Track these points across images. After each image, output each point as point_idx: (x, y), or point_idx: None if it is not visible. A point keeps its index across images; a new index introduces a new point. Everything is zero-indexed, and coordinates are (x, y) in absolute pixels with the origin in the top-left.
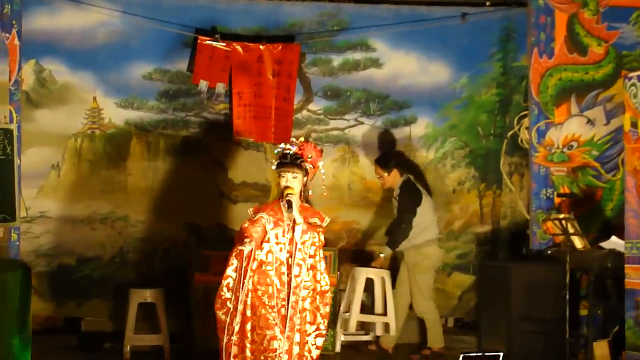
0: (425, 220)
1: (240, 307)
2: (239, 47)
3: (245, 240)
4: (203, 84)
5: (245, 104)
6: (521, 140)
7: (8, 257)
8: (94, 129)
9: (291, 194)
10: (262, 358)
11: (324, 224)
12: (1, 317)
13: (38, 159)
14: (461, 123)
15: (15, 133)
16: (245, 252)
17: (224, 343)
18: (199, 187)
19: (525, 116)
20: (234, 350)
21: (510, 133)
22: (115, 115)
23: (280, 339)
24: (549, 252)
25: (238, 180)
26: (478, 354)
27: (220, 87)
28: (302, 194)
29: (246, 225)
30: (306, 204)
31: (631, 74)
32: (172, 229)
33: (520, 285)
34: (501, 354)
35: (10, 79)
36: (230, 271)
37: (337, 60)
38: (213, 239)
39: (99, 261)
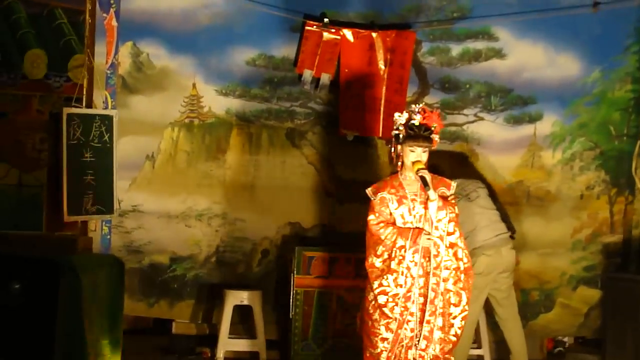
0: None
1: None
2: (349, 34)
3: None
4: (307, 74)
5: (353, 95)
6: None
7: (99, 252)
8: (193, 118)
9: (422, 168)
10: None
11: (452, 191)
12: (92, 315)
13: (132, 148)
14: (591, 122)
15: (114, 119)
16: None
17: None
18: (303, 184)
19: None
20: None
21: None
22: (216, 103)
23: (411, 328)
24: None
25: (346, 178)
26: None
27: (326, 78)
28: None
29: (374, 220)
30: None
31: None
32: (273, 228)
33: None
34: None
35: (107, 62)
36: (395, 265)
37: (456, 49)
38: (315, 240)
39: (193, 260)
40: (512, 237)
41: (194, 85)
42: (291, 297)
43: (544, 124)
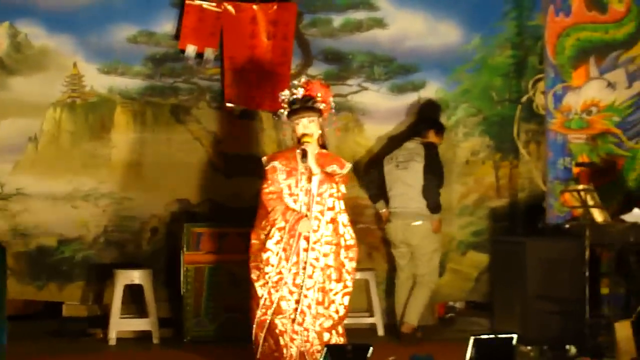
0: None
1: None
2: (230, 7)
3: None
4: (190, 49)
5: (237, 69)
6: (536, 106)
7: None
8: (75, 98)
9: (308, 142)
10: (274, 320)
11: (344, 171)
12: None
13: (13, 130)
14: (474, 88)
15: None
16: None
17: (258, 317)
18: (190, 161)
19: (540, 80)
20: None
21: (524, 98)
22: (98, 82)
23: (289, 300)
24: (567, 226)
25: (232, 152)
26: (490, 336)
27: (210, 53)
28: (320, 139)
29: (267, 189)
30: (324, 150)
31: None
32: (161, 206)
33: (536, 262)
34: (515, 336)
35: None
36: (271, 244)
37: (337, 20)
38: (204, 216)
39: (81, 241)
40: (434, 211)
41: (74, 65)
42: (181, 274)
43: (427, 91)
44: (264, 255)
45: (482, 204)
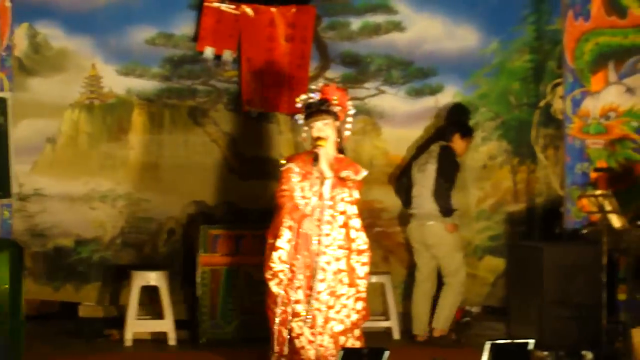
0: None
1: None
2: (248, 10)
3: (313, 220)
4: (209, 51)
5: (255, 72)
6: (555, 111)
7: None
8: (93, 99)
9: (321, 145)
10: (289, 321)
11: (359, 177)
12: None
13: (32, 131)
14: (492, 92)
15: (9, 102)
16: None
17: (279, 315)
18: (207, 162)
19: (559, 84)
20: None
21: (542, 102)
22: (116, 83)
23: (304, 302)
24: (585, 231)
25: (249, 154)
26: (507, 342)
27: (228, 55)
28: (338, 143)
29: (281, 186)
30: (341, 155)
31: None
32: (177, 207)
33: (553, 267)
34: (532, 341)
35: (1, 44)
36: (282, 243)
37: (355, 23)
38: (221, 218)
39: (98, 242)
40: (445, 215)
41: (93, 66)
42: (198, 275)
43: (445, 95)
44: (275, 255)
45: (499, 208)
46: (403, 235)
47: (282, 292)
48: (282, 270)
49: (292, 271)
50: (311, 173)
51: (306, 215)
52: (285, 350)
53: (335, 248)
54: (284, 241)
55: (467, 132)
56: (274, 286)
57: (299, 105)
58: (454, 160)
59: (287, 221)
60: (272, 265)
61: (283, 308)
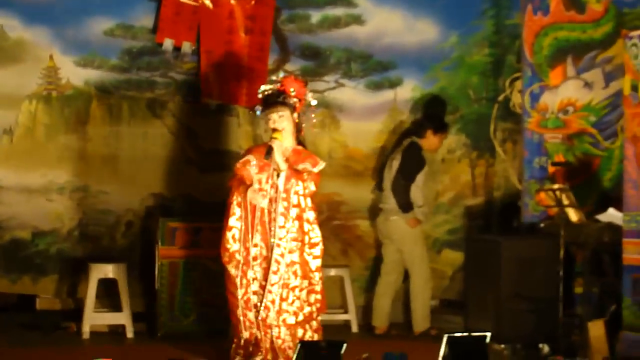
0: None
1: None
2: (208, 2)
3: (256, 190)
4: (168, 43)
5: (214, 64)
6: (513, 105)
7: None
8: (51, 90)
9: (275, 137)
10: (244, 313)
11: (316, 169)
12: None
13: None
14: (451, 86)
15: None
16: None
17: (241, 297)
18: (165, 155)
19: (517, 78)
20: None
21: (501, 97)
22: (74, 75)
23: (260, 294)
24: (542, 225)
25: (208, 147)
26: (463, 335)
27: (187, 47)
28: (297, 135)
29: (236, 171)
30: (299, 147)
31: (632, 33)
32: (136, 200)
33: (510, 261)
34: (489, 334)
35: None
36: (233, 221)
37: (315, 16)
38: (179, 210)
39: (55, 235)
40: (404, 210)
41: (50, 57)
42: (156, 268)
43: (404, 89)
44: (229, 234)
45: (457, 202)
46: (362, 228)
47: (240, 273)
48: (237, 250)
49: (246, 248)
50: (269, 165)
51: (250, 186)
52: (255, 335)
53: (289, 240)
54: (234, 219)
55: (440, 128)
56: (232, 269)
57: (260, 96)
58: (418, 157)
59: (236, 198)
60: (227, 246)
61: (244, 290)
